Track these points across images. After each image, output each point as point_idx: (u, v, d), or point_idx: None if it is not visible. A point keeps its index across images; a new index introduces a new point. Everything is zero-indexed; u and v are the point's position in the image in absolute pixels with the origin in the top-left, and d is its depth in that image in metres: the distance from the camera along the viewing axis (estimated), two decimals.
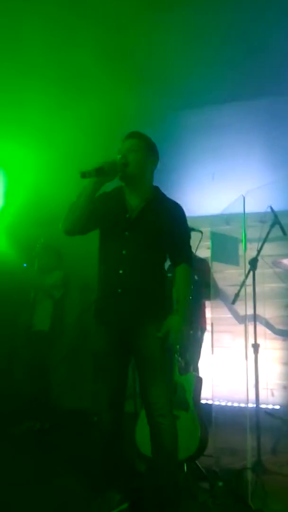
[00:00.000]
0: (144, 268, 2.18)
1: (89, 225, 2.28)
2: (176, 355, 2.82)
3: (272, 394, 3.91)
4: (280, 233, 3.04)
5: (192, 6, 3.19)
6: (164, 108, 3.99)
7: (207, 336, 3.55)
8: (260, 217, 3.27)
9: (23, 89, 3.89)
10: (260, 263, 2.97)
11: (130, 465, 2.46)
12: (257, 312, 2.91)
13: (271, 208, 3.04)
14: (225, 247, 3.08)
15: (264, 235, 3.02)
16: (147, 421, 2.20)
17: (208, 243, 3.34)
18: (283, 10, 3.20)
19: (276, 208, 3.08)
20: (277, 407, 3.86)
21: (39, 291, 3.93)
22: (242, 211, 2.88)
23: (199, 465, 2.77)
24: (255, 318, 2.84)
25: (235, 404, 3.88)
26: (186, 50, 3.56)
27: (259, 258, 2.96)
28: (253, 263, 2.87)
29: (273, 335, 3.97)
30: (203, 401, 2.94)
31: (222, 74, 3.78)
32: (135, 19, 3.29)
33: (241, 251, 3.00)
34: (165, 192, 2.40)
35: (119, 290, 2.17)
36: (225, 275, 3.83)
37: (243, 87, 3.88)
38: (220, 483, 2.56)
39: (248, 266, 2.88)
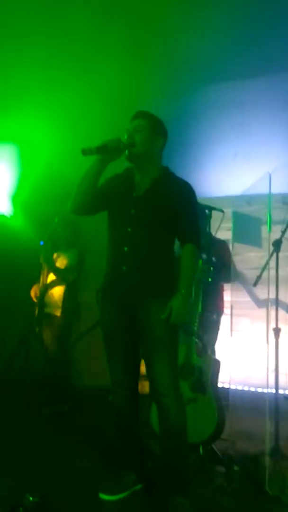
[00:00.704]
0: (149, 246, 2.17)
1: (97, 205, 2.28)
2: (193, 337, 2.77)
3: None
4: None
5: None
6: (187, 82, 3.87)
7: (226, 320, 3.49)
8: (283, 198, 3.17)
9: (38, 64, 3.81)
10: (283, 245, 2.87)
11: (145, 446, 2.42)
12: (279, 296, 2.82)
13: None
14: (247, 228, 3.00)
15: None
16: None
17: (229, 224, 3.25)
18: None
19: None
20: None
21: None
22: (264, 191, 2.79)
23: (215, 448, 2.73)
24: (277, 301, 2.76)
25: (252, 389, 3.83)
26: (208, 21, 3.43)
27: (283, 240, 2.85)
28: (278, 244, 2.77)
29: None
30: (219, 385, 2.90)
31: (248, 48, 3.64)
32: None
33: (263, 233, 2.91)
34: (184, 170, 2.35)
35: (124, 268, 2.17)
36: (245, 258, 3.74)
37: (269, 61, 3.73)
38: (236, 468, 2.53)
39: (271, 248, 2.78)
